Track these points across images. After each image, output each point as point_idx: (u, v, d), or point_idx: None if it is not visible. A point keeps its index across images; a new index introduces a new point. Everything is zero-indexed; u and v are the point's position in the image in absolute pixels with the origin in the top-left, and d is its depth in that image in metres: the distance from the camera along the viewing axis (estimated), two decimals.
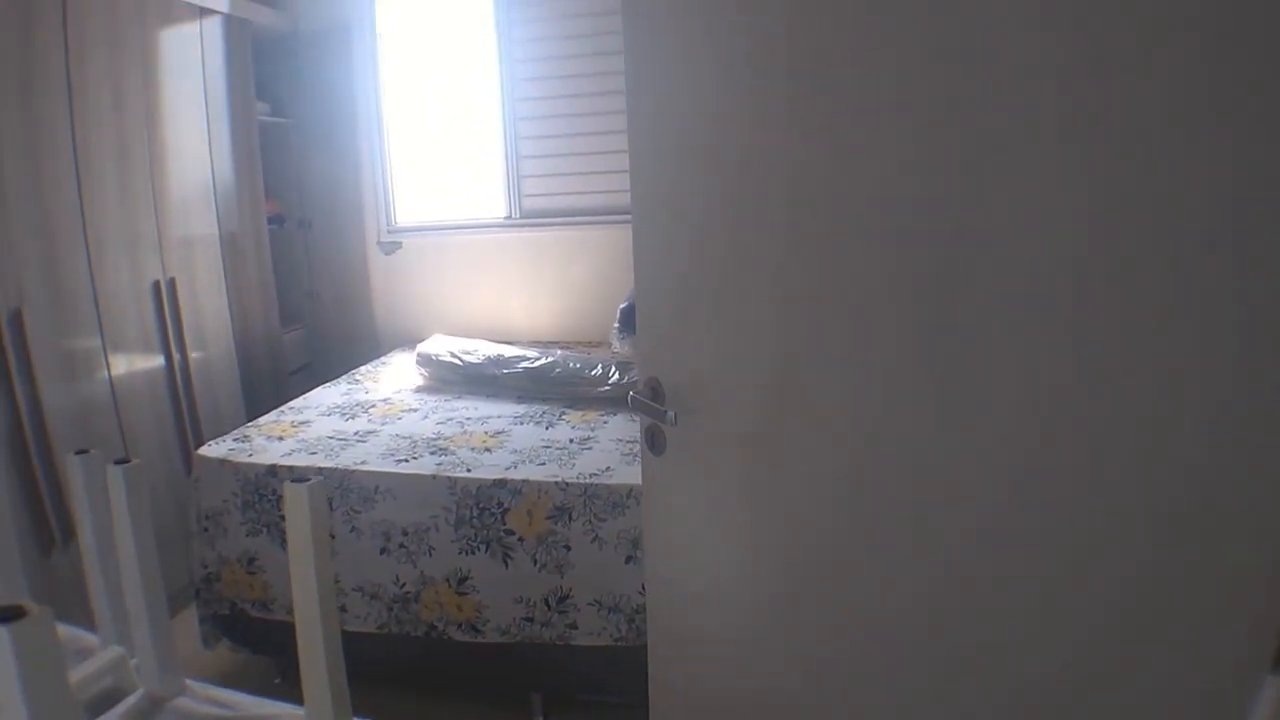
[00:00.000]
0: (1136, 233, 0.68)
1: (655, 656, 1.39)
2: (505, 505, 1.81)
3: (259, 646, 2.15)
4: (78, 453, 1.30)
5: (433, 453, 1.95)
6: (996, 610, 0.86)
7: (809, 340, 0.99)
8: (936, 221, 0.81)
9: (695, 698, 1.36)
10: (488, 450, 1.96)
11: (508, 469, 1.86)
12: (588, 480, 1.79)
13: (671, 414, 1.25)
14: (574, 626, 1.85)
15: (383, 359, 2.77)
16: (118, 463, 1.27)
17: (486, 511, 1.82)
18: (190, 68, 2.54)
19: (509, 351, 2.48)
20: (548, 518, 1.80)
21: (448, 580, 1.88)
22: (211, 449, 2.10)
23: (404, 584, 1.91)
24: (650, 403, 1.27)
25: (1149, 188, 0.67)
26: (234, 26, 2.69)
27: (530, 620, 1.86)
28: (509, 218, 2.96)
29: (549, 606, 1.84)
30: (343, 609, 1.97)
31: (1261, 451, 0.65)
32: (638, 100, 1.14)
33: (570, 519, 1.79)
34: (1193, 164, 0.65)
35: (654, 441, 1.34)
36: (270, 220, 2.83)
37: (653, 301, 1.26)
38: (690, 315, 1.19)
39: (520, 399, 2.33)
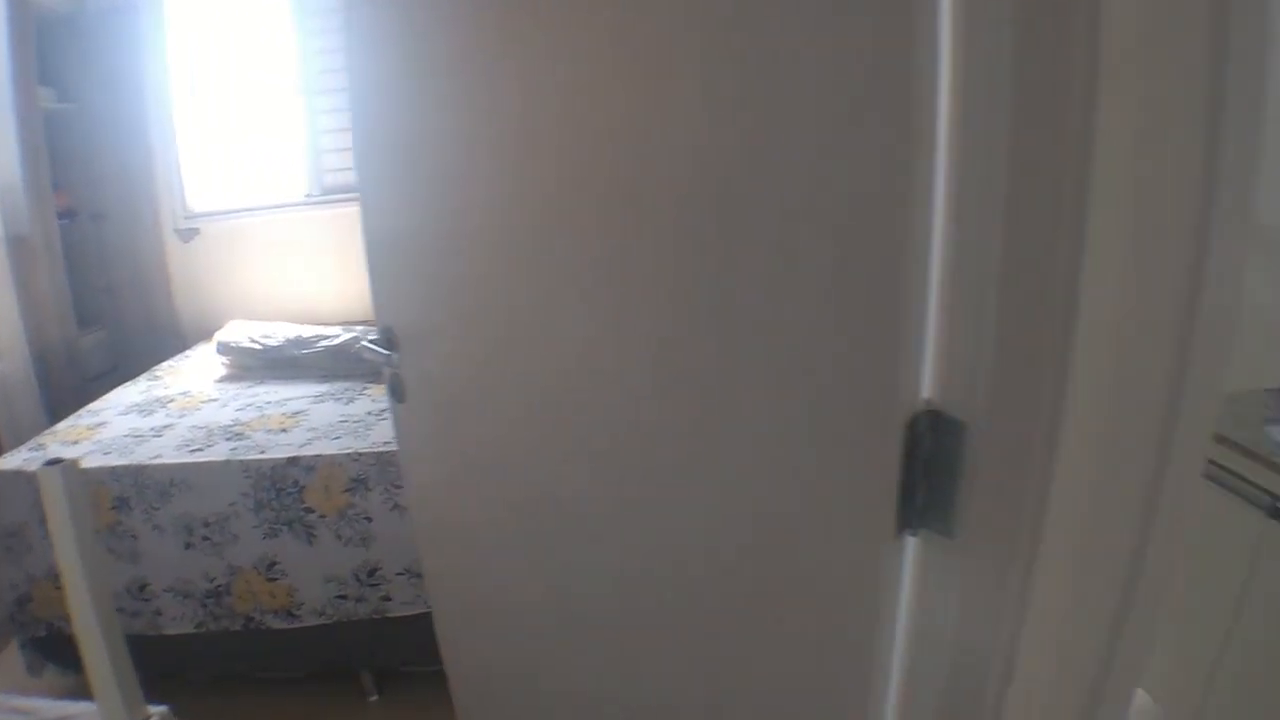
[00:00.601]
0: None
1: (433, 591, 1.48)
2: (301, 483, 1.85)
3: (82, 665, 2.15)
4: None
5: (228, 439, 1.98)
6: (648, 483, 0.96)
7: (492, 285, 1.11)
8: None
9: (476, 642, 1.45)
10: (284, 431, 1.99)
11: (302, 446, 1.90)
12: (380, 449, 1.84)
13: (395, 356, 1.33)
14: (387, 599, 1.91)
15: (186, 353, 2.76)
16: None
17: (284, 492, 1.86)
18: None
19: (308, 331, 2.51)
20: (345, 491, 1.85)
21: (256, 568, 1.92)
22: (5, 461, 2.08)
23: (214, 578, 1.94)
24: (376, 348, 1.35)
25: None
26: (16, 7, 2.61)
27: (344, 598, 1.92)
28: (310, 195, 2.96)
29: (360, 581, 1.90)
30: (157, 612, 1.99)
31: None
32: (355, 79, 1.32)
33: (368, 489, 1.84)
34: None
35: (396, 390, 1.41)
36: (61, 215, 2.77)
37: (382, 258, 1.37)
38: (410, 269, 1.30)
39: (323, 378, 2.37)
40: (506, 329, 1.11)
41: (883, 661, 0.75)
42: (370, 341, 1.44)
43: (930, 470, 0.68)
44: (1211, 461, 1.64)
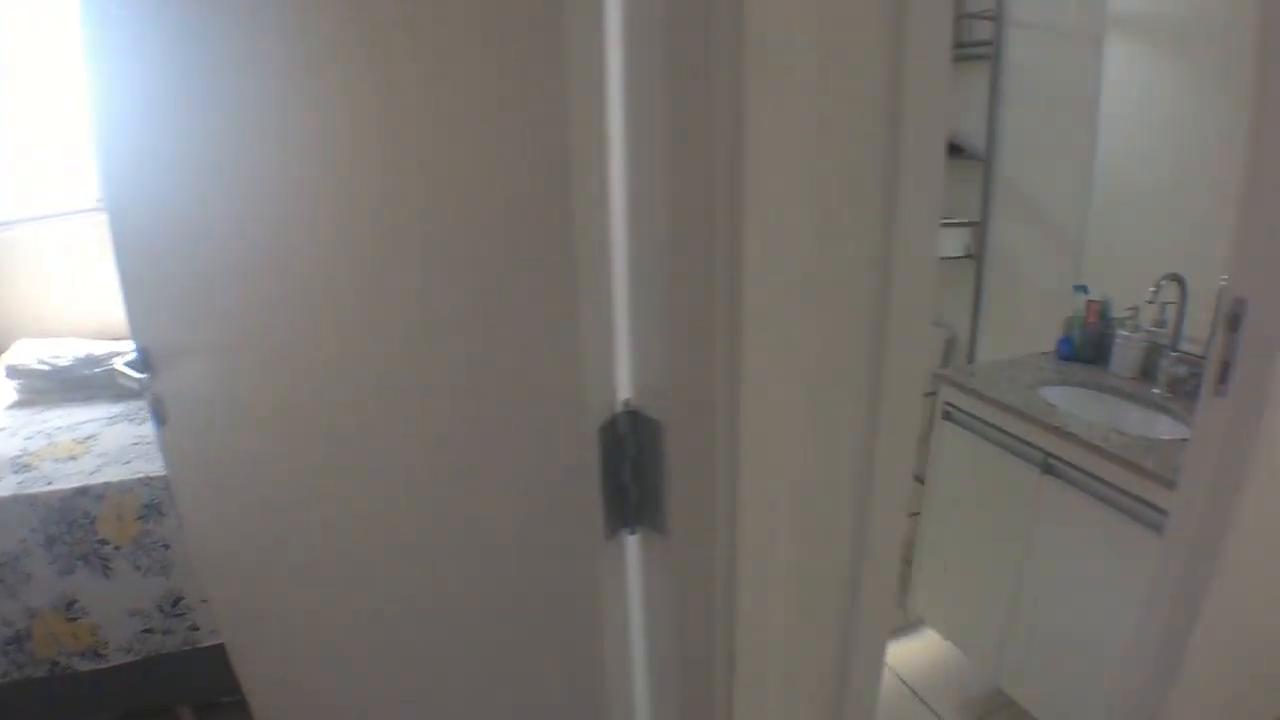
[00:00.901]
0: None
1: (221, 618, 1.44)
2: (91, 514, 1.78)
3: None
4: None
5: (15, 471, 1.88)
6: (394, 506, 0.96)
7: (253, 301, 1.07)
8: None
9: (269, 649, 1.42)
10: (73, 459, 1.91)
11: (91, 474, 1.82)
12: None
13: (145, 377, 1.28)
14: (195, 628, 1.85)
15: None
16: None
17: (75, 525, 1.79)
18: None
19: (101, 348, 2.39)
20: (139, 518, 1.78)
21: (55, 608, 1.84)
22: None
23: (12, 622, 1.85)
24: (126, 370, 1.30)
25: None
26: None
27: (150, 631, 1.85)
28: (102, 200, 2.81)
29: (164, 612, 1.84)
30: None
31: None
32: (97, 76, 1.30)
33: (162, 514, 1.78)
34: None
35: (158, 413, 1.36)
36: None
37: (135, 271, 1.32)
38: (167, 283, 1.24)
39: (117, 398, 2.27)
40: (266, 345, 1.07)
41: (621, 660, 0.76)
42: (126, 364, 1.39)
43: (639, 469, 0.69)
44: (991, 425, 1.71)
